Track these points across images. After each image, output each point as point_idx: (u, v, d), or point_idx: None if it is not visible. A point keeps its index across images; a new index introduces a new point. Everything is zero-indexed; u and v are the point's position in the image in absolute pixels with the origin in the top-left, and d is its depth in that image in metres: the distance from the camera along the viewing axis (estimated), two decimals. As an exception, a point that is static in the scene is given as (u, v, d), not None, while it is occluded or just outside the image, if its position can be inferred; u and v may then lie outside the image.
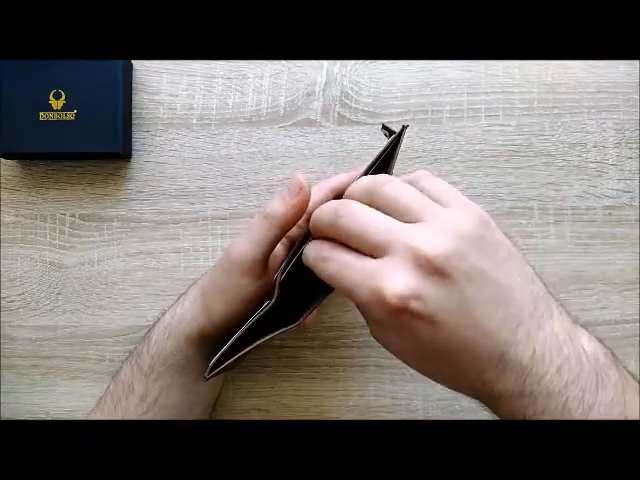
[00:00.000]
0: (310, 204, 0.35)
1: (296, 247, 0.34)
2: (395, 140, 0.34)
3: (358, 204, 0.29)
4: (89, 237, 0.44)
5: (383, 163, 0.34)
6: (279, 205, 0.33)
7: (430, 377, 0.29)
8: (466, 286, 0.25)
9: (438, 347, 0.26)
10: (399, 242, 0.26)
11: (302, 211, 0.34)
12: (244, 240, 0.34)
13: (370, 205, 0.28)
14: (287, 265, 0.33)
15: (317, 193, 0.37)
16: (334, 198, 0.37)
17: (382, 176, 0.30)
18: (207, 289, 0.36)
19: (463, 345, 0.26)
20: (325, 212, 0.30)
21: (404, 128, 0.34)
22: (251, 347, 0.33)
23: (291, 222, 0.34)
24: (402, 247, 0.25)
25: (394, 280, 0.25)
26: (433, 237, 0.26)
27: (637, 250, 0.42)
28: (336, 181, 0.38)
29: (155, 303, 0.43)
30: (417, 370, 0.29)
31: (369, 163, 0.34)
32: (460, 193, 0.29)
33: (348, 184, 0.37)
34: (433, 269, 0.25)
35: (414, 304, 0.25)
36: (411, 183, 0.29)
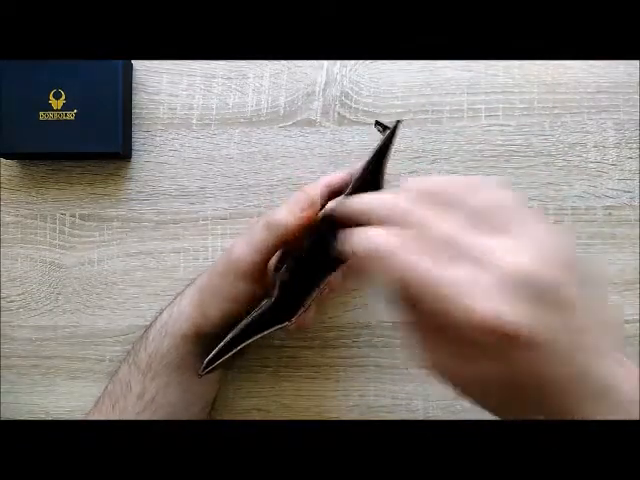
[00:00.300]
0: (305, 199, 0.35)
1: (297, 251, 0.34)
2: (390, 136, 0.34)
3: (430, 212, 0.24)
4: (89, 237, 0.44)
5: (379, 159, 0.34)
6: (286, 217, 0.33)
7: (491, 408, 0.26)
8: (569, 312, 0.23)
9: (533, 377, 0.23)
10: (493, 256, 0.22)
11: (308, 224, 0.33)
12: (244, 244, 0.34)
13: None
14: (290, 265, 0.33)
15: (312, 188, 0.37)
16: (329, 195, 0.37)
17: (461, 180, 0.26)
18: (204, 289, 0.36)
19: (567, 375, 0.23)
20: (392, 214, 0.25)
21: (398, 123, 0.34)
22: (243, 345, 0.33)
23: (295, 234, 0.34)
24: (498, 263, 0.22)
25: (501, 304, 0.22)
26: (517, 251, 0.22)
27: (637, 250, 0.42)
28: (332, 178, 0.38)
29: (155, 303, 0.43)
30: (477, 402, 0.25)
31: (365, 161, 0.34)
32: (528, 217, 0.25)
33: (344, 181, 0.38)
34: (535, 291, 0.22)
35: (525, 331, 0.22)
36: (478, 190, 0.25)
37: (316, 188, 0.37)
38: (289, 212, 0.33)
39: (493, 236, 0.23)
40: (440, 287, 0.22)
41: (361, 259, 0.25)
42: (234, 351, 0.33)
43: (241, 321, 0.33)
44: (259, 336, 0.33)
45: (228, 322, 0.35)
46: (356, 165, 0.39)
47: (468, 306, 0.22)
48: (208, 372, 0.33)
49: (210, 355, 0.33)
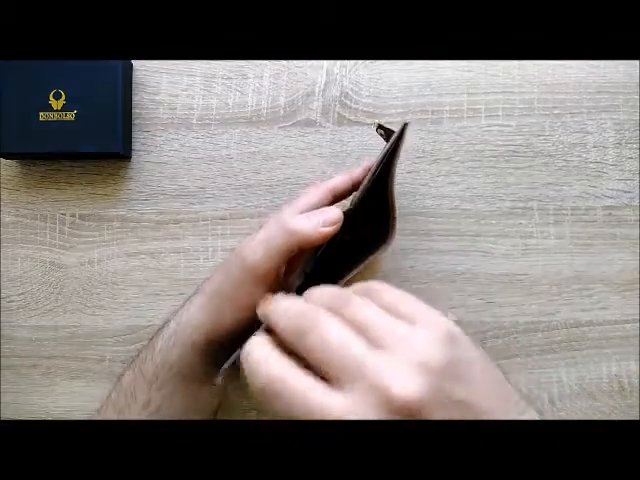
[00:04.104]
0: (309, 205, 0.35)
1: (312, 258, 0.34)
2: (398, 139, 0.34)
3: (327, 319, 0.25)
4: (89, 237, 0.44)
5: (387, 163, 0.34)
6: (310, 228, 0.33)
7: None
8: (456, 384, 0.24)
9: None
10: (368, 380, 0.23)
11: (327, 239, 0.34)
12: (259, 248, 0.33)
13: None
14: (303, 275, 0.33)
15: (316, 194, 0.37)
16: (333, 200, 0.37)
17: (342, 293, 0.27)
18: (215, 296, 0.35)
19: None
20: (291, 320, 0.26)
21: (406, 126, 0.33)
22: None
23: (314, 245, 0.34)
24: (371, 386, 0.23)
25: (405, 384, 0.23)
26: (404, 375, 0.23)
27: (637, 250, 0.42)
28: (335, 183, 0.38)
29: (155, 303, 0.43)
30: None
31: (374, 166, 0.34)
32: (422, 304, 0.27)
33: (347, 185, 0.38)
34: (407, 413, 0.23)
35: (422, 410, 0.23)
36: (369, 296, 0.27)
37: (321, 192, 0.37)
38: (313, 225, 0.33)
39: (378, 351, 0.24)
40: (310, 410, 0.24)
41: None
42: None
43: (254, 327, 0.33)
44: None
45: (242, 329, 0.34)
46: (356, 168, 0.39)
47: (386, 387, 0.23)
48: (223, 380, 0.33)
49: (226, 364, 0.32)
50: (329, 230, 0.33)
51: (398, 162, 0.35)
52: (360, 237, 0.37)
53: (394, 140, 0.34)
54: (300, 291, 0.34)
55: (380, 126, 0.37)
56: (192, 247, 0.43)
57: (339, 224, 0.33)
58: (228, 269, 0.35)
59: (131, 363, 0.38)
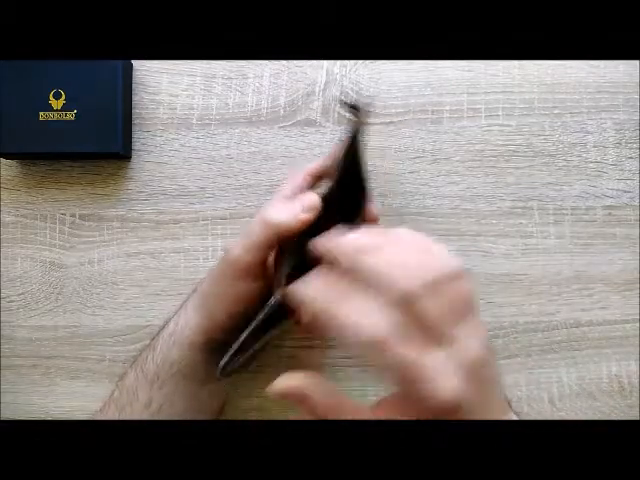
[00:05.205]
0: (293, 191, 0.37)
1: (298, 245, 0.34)
2: (357, 126, 0.34)
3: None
4: (89, 237, 0.44)
5: (351, 147, 0.35)
6: (288, 217, 0.33)
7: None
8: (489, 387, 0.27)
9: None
10: (460, 341, 0.26)
11: (306, 226, 0.33)
12: (240, 243, 0.34)
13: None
14: (291, 263, 0.33)
15: (298, 179, 0.38)
16: (313, 182, 0.38)
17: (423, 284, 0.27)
18: (207, 294, 0.36)
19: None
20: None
21: (357, 106, 0.33)
22: (257, 345, 0.33)
23: (294, 233, 0.34)
24: (463, 348, 0.25)
25: (450, 386, 0.25)
26: (477, 342, 0.26)
27: (637, 250, 0.42)
28: (314, 166, 0.39)
29: (155, 303, 0.43)
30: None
31: (340, 151, 0.34)
32: (477, 305, 0.28)
33: (324, 167, 0.38)
34: (474, 374, 0.26)
35: (459, 411, 0.25)
36: (441, 283, 0.27)
37: (301, 178, 0.38)
38: (290, 213, 0.33)
39: (457, 326, 0.26)
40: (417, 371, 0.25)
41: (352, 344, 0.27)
42: (249, 353, 0.33)
43: (249, 321, 0.33)
44: (271, 334, 0.33)
45: (236, 324, 0.34)
46: (336, 148, 0.39)
47: (437, 388, 0.25)
48: (226, 376, 0.33)
49: (225, 359, 0.32)
50: (307, 216, 0.33)
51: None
52: (339, 219, 0.37)
53: (354, 126, 0.34)
54: (290, 280, 0.34)
55: (346, 103, 0.37)
56: (192, 247, 0.43)
57: (317, 209, 0.33)
58: (216, 267, 0.36)
59: (133, 363, 0.38)
